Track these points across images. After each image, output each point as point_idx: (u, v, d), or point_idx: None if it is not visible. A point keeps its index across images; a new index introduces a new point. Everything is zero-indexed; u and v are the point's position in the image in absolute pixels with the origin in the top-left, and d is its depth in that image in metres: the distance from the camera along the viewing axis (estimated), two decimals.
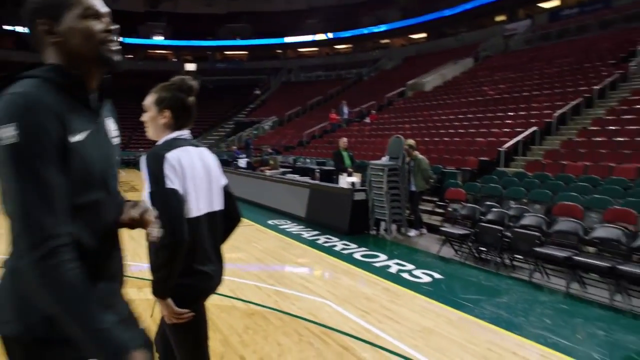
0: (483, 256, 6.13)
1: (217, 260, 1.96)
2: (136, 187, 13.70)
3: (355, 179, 8.24)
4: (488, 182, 8.34)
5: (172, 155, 1.76)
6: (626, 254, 4.74)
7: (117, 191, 1.26)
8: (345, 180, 8.25)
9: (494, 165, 9.77)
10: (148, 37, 39.11)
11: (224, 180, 2.03)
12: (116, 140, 1.28)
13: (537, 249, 5.16)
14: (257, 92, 35.74)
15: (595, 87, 12.15)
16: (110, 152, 1.22)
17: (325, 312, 4.16)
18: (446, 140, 12.53)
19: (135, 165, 19.39)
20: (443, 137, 13.00)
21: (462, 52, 24.68)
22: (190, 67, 39.06)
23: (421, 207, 8.31)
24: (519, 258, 5.83)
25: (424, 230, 7.81)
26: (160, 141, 1.87)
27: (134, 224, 1.26)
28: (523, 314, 4.26)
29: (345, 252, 6.56)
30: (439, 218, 8.27)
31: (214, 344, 3.36)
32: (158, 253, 1.69)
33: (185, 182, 1.77)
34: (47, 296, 0.96)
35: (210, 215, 1.89)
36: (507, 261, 5.85)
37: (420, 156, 7.84)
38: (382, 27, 35.81)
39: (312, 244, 7.04)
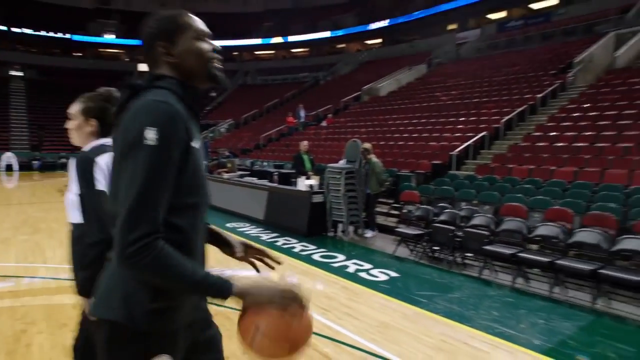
0: (436, 255, 6.42)
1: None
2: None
3: (313, 181, 8.39)
4: (441, 185, 8.71)
5: (102, 160, 1.84)
6: (564, 249, 5.14)
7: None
8: (303, 183, 8.37)
9: (446, 169, 10.21)
10: (99, 35, 37.74)
11: None
12: None
13: (486, 247, 5.49)
14: (213, 94, 35.29)
15: (538, 95, 12.93)
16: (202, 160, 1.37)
17: None
18: (401, 144, 12.93)
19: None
20: (398, 141, 13.40)
21: (416, 59, 25.44)
22: (144, 67, 37.95)
23: (377, 209, 8.56)
24: (469, 256, 6.16)
25: (376, 232, 8.05)
26: (88, 147, 1.94)
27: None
28: (473, 307, 4.55)
29: (304, 253, 6.69)
30: (395, 219, 8.55)
31: None
32: (87, 251, 1.75)
33: None
34: (154, 271, 1.11)
35: None
36: (459, 259, 6.16)
37: (375, 159, 8.08)
38: (339, 32, 36.29)
39: (272, 245, 7.12)
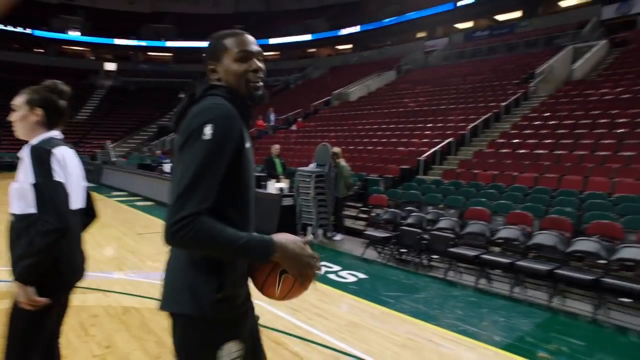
0: (403, 257, 6.59)
1: (82, 254, 2.08)
2: None
3: (283, 184, 8.45)
4: (408, 189, 8.92)
5: (58, 152, 1.87)
6: (523, 251, 5.40)
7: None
8: (273, 186, 8.42)
9: (414, 173, 10.47)
10: (62, 31, 36.57)
11: (85, 181, 2.15)
12: None
13: (451, 249, 5.69)
14: (182, 96, 34.70)
15: (502, 103, 13.43)
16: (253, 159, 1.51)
17: (258, 312, 4.30)
18: (370, 149, 13.14)
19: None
20: (367, 145, 13.62)
21: (386, 65, 25.88)
22: (111, 66, 37.13)
23: (346, 212, 8.69)
24: (435, 258, 6.35)
25: (343, 235, 8.16)
26: (37, 139, 1.93)
27: None
28: (438, 307, 4.72)
29: None
30: (363, 222, 8.69)
31: (149, 346, 3.40)
32: (39, 239, 1.75)
33: (67, 177, 1.89)
34: (199, 243, 1.23)
35: (79, 211, 2.02)
36: (425, 261, 6.34)
37: (343, 163, 8.20)
38: (310, 37, 36.47)
39: None
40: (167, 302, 1.36)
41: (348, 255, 6.99)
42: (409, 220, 6.75)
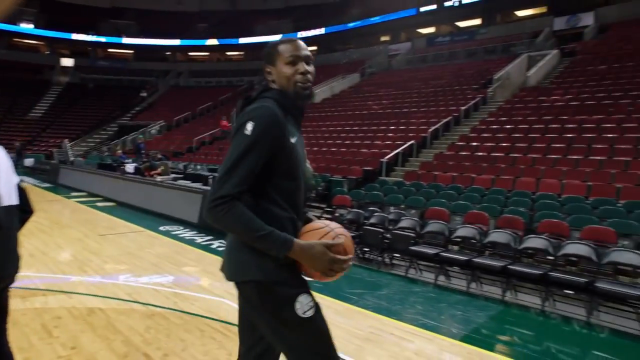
0: (366, 256, 6.78)
1: (16, 250, 2.12)
2: None
3: None
4: (371, 190, 9.15)
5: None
6: (480, 249, 5.69)
7: (307, 183, 1.74)
8: None
9: (377, 175, 10.72)
10: (14, 23, 34.80)
11: (17, 178, 2.18)
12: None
13: (412, 248, 5.92)
14: (144, 94, 33.98)
15: (462, 107, 13.93)
16: (304, 155, 1.73)
17: (224, 310, 4.37)
18: (334, 151, 13.34)
19: None
20: (331, 147, 13.81)
21: (350, 68, 26.21)
22: (67, 62, 35.79)
23: (310, 212, 8.80)
24: (397, 256, 6.58)
25: None
26: None
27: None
28: (400, 302, 4.93)
29: None
30: None
31: (116, 345, 3.41)
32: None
33: None
34: (229, 222, 1.49)
35: (12, 208, 2.06)
36: (387, 259, 6.56)
37: (307, 165, 8.31)
38: (275, 37, 36.30)
39: (207, 248, 7.13)
40: (235, 273, 1.61)
41: None
42: (372, 220, 6.95)
